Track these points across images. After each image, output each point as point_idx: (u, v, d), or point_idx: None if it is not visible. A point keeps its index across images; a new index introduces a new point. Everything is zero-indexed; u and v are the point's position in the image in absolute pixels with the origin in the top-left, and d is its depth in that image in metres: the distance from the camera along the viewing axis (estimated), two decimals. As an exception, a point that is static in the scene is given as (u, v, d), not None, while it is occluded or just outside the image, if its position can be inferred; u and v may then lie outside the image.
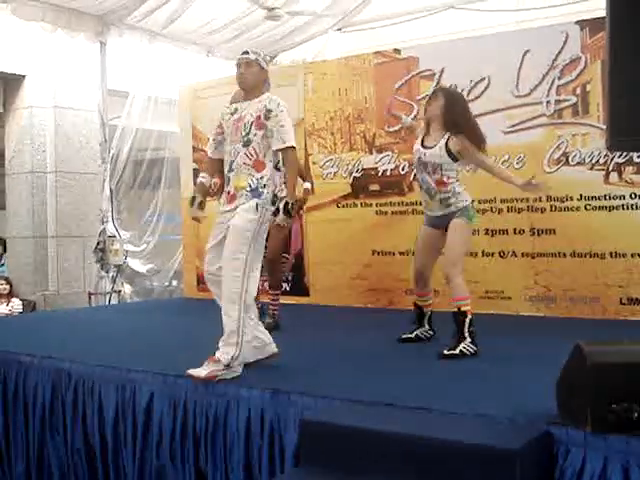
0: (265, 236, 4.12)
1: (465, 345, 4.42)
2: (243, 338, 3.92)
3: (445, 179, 4.66)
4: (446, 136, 4.65)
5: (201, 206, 4.31)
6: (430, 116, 4.78)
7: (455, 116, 4.66)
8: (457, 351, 4.40)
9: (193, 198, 4.32)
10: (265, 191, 4.01)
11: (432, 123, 4.78)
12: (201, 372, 3.83)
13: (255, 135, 4.05)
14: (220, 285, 4.03)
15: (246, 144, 4.06)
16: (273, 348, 4.28)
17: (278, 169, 4.14)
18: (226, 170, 4.17)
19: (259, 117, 4.06)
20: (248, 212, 3.98)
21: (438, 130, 4.72)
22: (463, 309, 4.49)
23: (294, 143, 4.10)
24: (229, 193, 4.11)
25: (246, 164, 4.05)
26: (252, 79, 4.19)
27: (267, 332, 4.30)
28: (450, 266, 4.59)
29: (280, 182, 4.14)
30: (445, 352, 4.40)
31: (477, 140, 4.67)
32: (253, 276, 3.98)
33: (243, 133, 4.08)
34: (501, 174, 4.86)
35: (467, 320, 4.47)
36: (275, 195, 4.06)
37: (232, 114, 4.21)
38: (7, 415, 4.74)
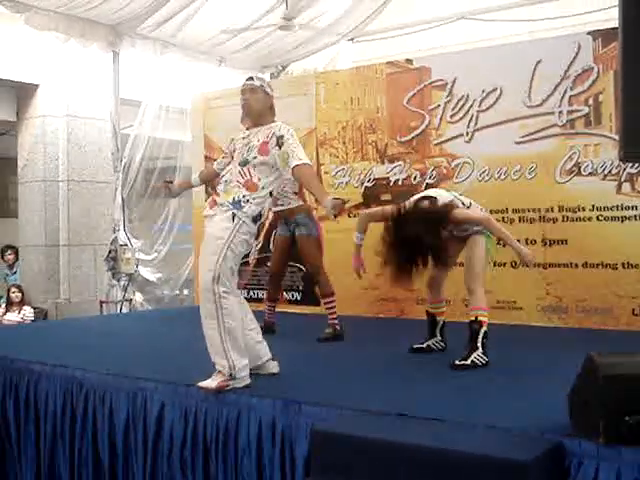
0: (241, 249, 3.99)
1: (477, 355, 4.40)
2: (229, 346, 3.86)
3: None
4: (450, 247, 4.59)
5: (165, 186, 4.76)
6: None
7: (429, 250, 4.41)
8: (469, 361, 4.38)
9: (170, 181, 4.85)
10: (247, 206, 3.95)
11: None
12: (211, 383, 3.83)
13: (255, 158, 4.03)
14: None
15: (243, 164, 4.05)
16: (272, 367, 4.25)
17: (272, 195, 4.15)
18: (217, 183, 4.19)
19: (266, 142, 4.04)
20: (223, 221, 3.95)
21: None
22: (480, 318, 4.47)
23: (309, 162, 4.09)
24: (213, 200, 4.09)
25: (238, 182, 4.02)
26: (257, 106, 4.19)
27: (266, 349, 4.24)
28: (471, 280, 4.59)
29: (268, 207, 4.15)
30: (457, 362, 4.39)
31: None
32: (226, 287, 3.88)
33: (244, 154, 4.08)
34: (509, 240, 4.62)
35: (482, 330, 4.44)
36: (260, 214, 4.02)
37: (244, 138, 4.21)
38: (18, 423, 4.75)
